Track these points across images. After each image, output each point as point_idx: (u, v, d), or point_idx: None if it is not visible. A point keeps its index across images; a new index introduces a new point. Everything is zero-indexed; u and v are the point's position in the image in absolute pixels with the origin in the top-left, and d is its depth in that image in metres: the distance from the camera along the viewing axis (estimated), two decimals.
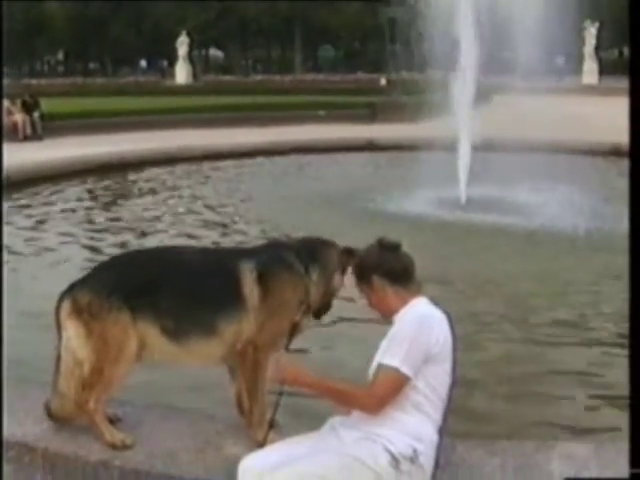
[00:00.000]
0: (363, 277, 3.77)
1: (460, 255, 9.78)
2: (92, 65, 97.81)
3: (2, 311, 4.58)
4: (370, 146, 20.39)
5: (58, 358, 4.09)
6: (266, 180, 15.96)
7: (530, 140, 13.70)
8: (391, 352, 3.50)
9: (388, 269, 3.69)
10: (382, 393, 3.49)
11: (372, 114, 29.17)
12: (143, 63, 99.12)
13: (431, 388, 3.54)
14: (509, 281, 8.62)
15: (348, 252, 4.17)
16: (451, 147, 14.22)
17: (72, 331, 3.97)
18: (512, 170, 12.49)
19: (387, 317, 3.73)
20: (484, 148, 13.87)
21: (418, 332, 3.52)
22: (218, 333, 4.01)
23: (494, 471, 3.78)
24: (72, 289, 4.02)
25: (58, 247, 10.28)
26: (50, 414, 4.20)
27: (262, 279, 4.03)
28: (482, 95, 17.75)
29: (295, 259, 4.15)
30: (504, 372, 6.09)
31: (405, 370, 3.46)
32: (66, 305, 3.98)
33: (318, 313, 4.29)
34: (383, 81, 40.63)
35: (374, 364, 3.60)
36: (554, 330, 6.96)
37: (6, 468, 4.14)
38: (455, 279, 8.64)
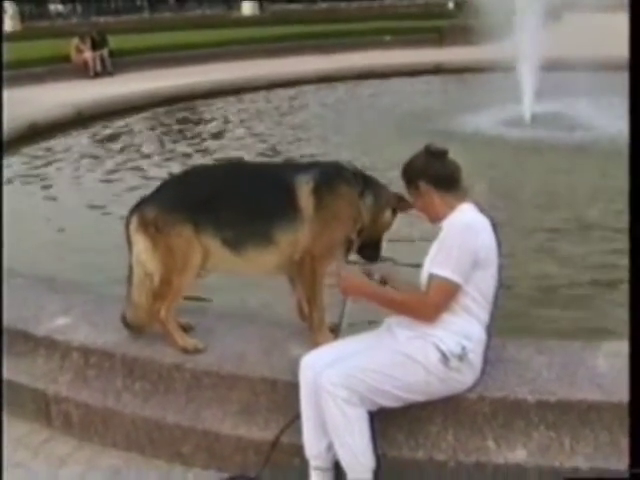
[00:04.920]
0: (411, 182, 3.87)
1: (525, 171, 9.91)
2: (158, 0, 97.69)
3: (2, 311, 4.85)
4: (437, 69, 20.28)
5: (130, 271, 4.34)
6: (334, 106, 16.08)
7: (599, 57, 13.53)
8: (441, 261, 3.64)
9: (434, 175, 3.78)
10: (435, 302, 3.65)
11: (439, 38, 28.84)
12: None
13: (479, 291, 3.69)
14: (573, 195, 8.72)
15: (400, 197, 4.32)
16: (517, 67, 14.19)
17: (141, 245, 4.20)
18: (580, 88, 12.42)
19: (434, 222, 3.85)
20: (551, 67, 13.78)
21: (465, 239, 3.63)
22: (274, 242, 4.19)
23: (541, 367, 3.95)
24: (139, 205, 4.25)
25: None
26: (126, 324, 4.50)
27: (318, 191, 4.18)
28: (551, 13, 17.50)
29: (353, 178, 4.31)
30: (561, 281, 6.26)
31: (456, 278, 3.61)
32: (134, 220, 4.21)
33: (369, 254, 4.45)
34: (451, 4, 40.06)
35: (425, 268, 3.78)
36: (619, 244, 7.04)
37: (88, 373, 4.49)
38: (521, 193, 8.79)
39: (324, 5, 66.23)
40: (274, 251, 4.23)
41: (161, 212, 4.15)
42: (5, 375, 4.71)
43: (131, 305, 4.42)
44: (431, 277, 3.67)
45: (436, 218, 3.84)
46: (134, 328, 4.48)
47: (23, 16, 55.03)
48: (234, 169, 4.64)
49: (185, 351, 4.30)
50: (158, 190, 4.35)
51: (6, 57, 26.13)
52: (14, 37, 43.97)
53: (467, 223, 3.71)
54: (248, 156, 11.21)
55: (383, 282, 4.05)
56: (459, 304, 3.69)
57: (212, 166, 5.25)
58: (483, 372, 3.81)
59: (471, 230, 3.67)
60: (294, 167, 4.55)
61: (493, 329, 3.84)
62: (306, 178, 4.21)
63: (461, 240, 3.64)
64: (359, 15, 45.51)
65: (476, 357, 3.73)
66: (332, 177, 4.30)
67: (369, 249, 4.45)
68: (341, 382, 3.55)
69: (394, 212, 4.40)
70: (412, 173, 3.86)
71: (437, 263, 3.65)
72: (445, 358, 3.63)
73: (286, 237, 4.20)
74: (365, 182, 4.36)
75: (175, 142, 13.18)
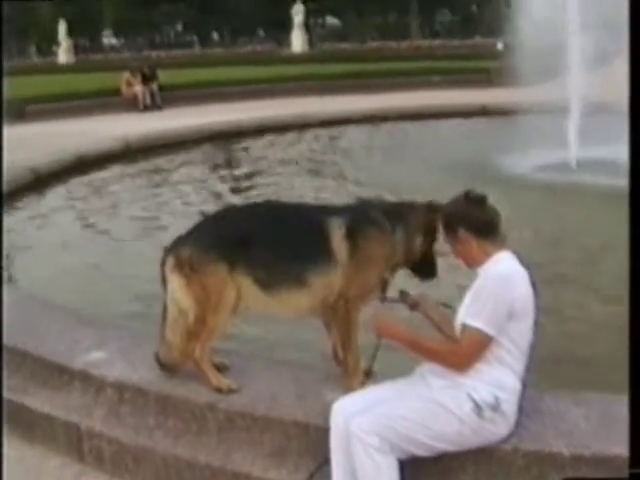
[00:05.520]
0: (448, 228, 3.85)
1: (570, 217, 9.80)
2: (209, 35, 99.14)
3: (2, 310, 4.88)
4: (484, 111, 20.26)
5: (164, 309, 4.37)
6: (381, 145, 16.12)
7: None
8: (475, 311, 3.61)
9: (473, 222, 3.75)
10: (467, 353, 3.63)
11: (487, 79, 28.83)
12: (260, 32, 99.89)
13: (513, 342, 3.65)
14: (619, 244, 8.59)
15: (433, 208, 4.29)
16: (564, 110, 14.10)
17: (176, 283, 4.23)
18: (626, 134, 12.28)
19: (471, 267, 3.83)
20: (598, 111, 13.69)
21: (501, 290, 3.60)
22: (308, 285, 4.20)
23: (578, 420, 3.89)
24: (175, 245, 4.29)
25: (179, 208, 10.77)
26: (159, 362, 4.52)
27: (350, 235, 4.20)
28: (601, 58, 17.41)
29: (382, 217, 4.31)
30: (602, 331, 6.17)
31: (489, 330, 3.58)
32: (170, 259, 4.25)
33: (424, 273, 4.44)
34: (500, 45, 40.01)
35: (459, 316, 3.77)
36: None
37: (122, 409, 4.51)
38: (564, 240, 8.69)
39: (374, 44, 66.71)
40: (307, 293, 4.24)
41: (196, 251, 4.18)
42: (40, 408, 4.74)
43: (164, 344, 4.44)
44: (464, 327, 3.65)
45: (473, 264, 3.82)
46: (167, 367, 4.50)
47: (77, 49, 55.99)
48: (268, 209, 4.68)
49: (219, 391, 4.30)
50: (193, 229, 4.38)
51: (57, 89, 26.64)
52: (67, 70, 44.77)
53: (503, 273, 3.67)
54: (289, 195, 11.24)
55: (414, 306, 4.06)
56: (493, 354, 3.65)
57: (246, 206, 5.28)
58: (517, 423, 3.75)
59: (507, 281, 3.64)
60: (327, 210, 4.57)
61: (529, 379, 3.79)
62: (338, 222, 4.24)
63: (496, 291, 3.61)
64: (408, 54, 45.73)
65: (510, 408, 3.68)
66: (363, 221, 4.30)
67: (423, 268, 4.42)
68: (372, 429, 3.53)
69: (431, 227, 4.32)
70: (450, 219, 3.85)
71: (471, 313, 3.63)
72: (478, 408, 3.59)
73: (319, 280, 4.21)
74: (395, 214, 4.36)
75: (219, 178, 13.28)
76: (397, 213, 4.38)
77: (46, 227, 9.98)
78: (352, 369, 4.29)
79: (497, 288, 3.61)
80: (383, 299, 4.31)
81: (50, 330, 5.22)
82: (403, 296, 4.15)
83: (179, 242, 4.29)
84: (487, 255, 3.76)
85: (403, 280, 4.53)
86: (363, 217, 4.33)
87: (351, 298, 4.23)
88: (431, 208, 4.33)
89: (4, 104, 18.22)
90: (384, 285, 4.31)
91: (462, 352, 3.64)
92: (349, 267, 4.19)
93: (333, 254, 4.19)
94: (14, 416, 4.87)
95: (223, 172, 14.02)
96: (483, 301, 3.61)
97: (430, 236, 4.35)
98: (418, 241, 4.34)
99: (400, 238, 4.30)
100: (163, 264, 4.30)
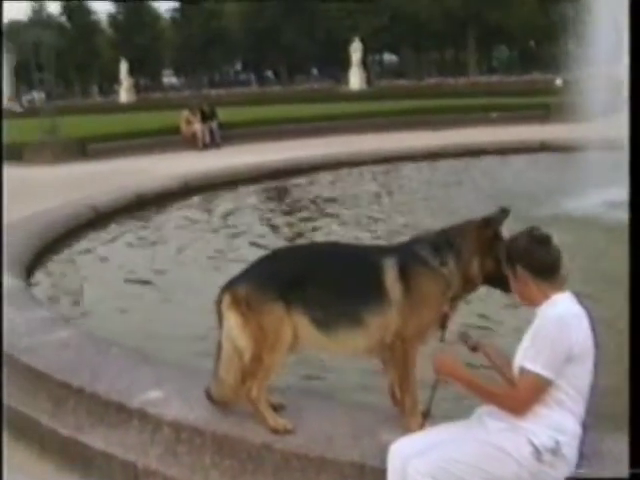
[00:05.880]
0: (509, 263, 3.79)
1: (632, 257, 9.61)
2: (267, 73, 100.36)
3: (2, 311, 4.87)
4: (543, 147, 20.11)
5: (219, 347, 4.39)
6: (437, 184, 16.06)
7: None
8: (533, 355, 3.56)
9: (533, 262, 3.68)
10: (525, 397, 3.58)
11: (546, 115, 28.68)
12: (316, 70, 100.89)
13: (573, 386, 3.59)
14: None
15: (487, 223, 4.25)
16: (625, 147, 13.89)
17: (232, 321, 4.25)
18: None
19: (528, 306, 3.77)
20: None
21: (559, 334, 3.54)
22: (364, 325, 4.20)
23: None
24: (232, 283, 4.32)
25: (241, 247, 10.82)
26: (210, 398, 4.53)
27: (402, 275, 4.19)
28: None
29: (431, 253, 4.26)
30: None
31: (547, 374, 3.53)
32: (226, 298, 4.27)
33: (501, 284, 4.19)
34: (558, 81, 39.77)
35: (517, 358, 3.70)
36: None
37: (179, 448, 4.51)
38: (626, 280, 8.51)
39: (431, 80, 66.87)
40: (364, 333, 4.23)
41: (253, 290, 4.21)
42: (97, 445, 4.77)
43: (217, 380, 4.45)
44: (522, 370, 3.60)
45: (530, 304, 3.76)
46: (218, 403, 4.51)
47: (138, 88, 57.10)
48: (324, 249, 4.70)
49: (275, 431, 4.30)
50: (250, 267, 4.41)
51: (118, 128, 27.10)
52: (128, 108, 45.57)
53: (562, 317, 3.60)
54: (346, 234, 11.24)
55: (474, 348, 4.02)
56: (552, 397, 3.59)
57: (302, 246, 5.34)
58: (578, 467, 3.67)
59: (566, 325, 3.57)
60: (380, 249, 4.58)
61: (590, 422, 3.71)
62: (391, 262, 4.23)
63: (554, 335, 3.55)
64: (466, 91, 45.74)
65: (570, 451, 3.61)
66: (412, 260, 4.28)
67: (498, 280, 4.23)
68: (429, 472, 3.49)
69: (490, 242, 4.23)
70: (512, 255, 3.78)
71: (529, 357, 3.58)
72: (538, 452, 3.52)
73: (375, 320, 4.20)
74: (445, 243, 4.30)
75: (278, 216, 13.33)
76: (446, 242, 4.32)
77: (106, 264, 10.09)
78: (410, 410, 4.25)
79: (555, 331, 3.56)
80: (443, 339, 4.27)
81: (108, 368, 5.27)
82: (464, 337, 4.10)
83: (236, 280, 4.32)
84: (545, 296, 3.69)
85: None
86: (412, 255, 4.31)
87: (408, 338, 4.21)
88: (485, 223, 4.28)
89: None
90: (444, 320, 4.26)
91: (520, 396, 3.58)
92: (404, 307, 4.18)
93: (387, 294, 4.18)
94: (71, 452, 4.92)
95: (281, 209, 14.09)
96: (541, 344, 3.56)
97: (493, 250, 4.21)
98: (476, 263, 4.26)
99: (454, 268, 4.26)
100: (219, 302, 4.32)
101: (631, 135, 3.80)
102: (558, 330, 3.56)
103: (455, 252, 4.27)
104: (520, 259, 3.72)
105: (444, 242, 4.33)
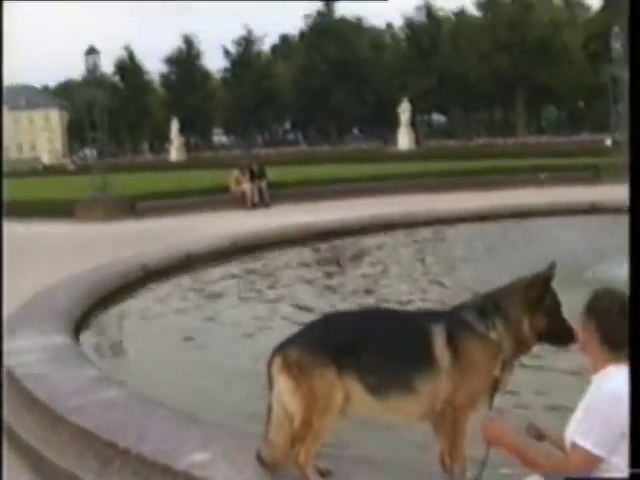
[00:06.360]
0: (584, 316, 3.67)
1: None
2: (316, 134, 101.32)
3: (2, 319, 4.81)
4: (593, 208, 19.90)
5: (269, 409, 4.33)
6: (485, 247, 15.95)
7: None
8: (585, 430, 3.47)
9: (608, 328, 3.58)
10: (575, 472, 3.47)
11: (595, 176, 28.52)
12: (364, 130, 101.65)
13: (627, 462, 3.45)
14: None
15: (534, 281, 4.22)
16: None
17: (282, 385, 4.20)
18: None
19: (587, 360, 3.70)
20: None
21: (613, 410, 3.43)
22: (415, 391, 4.16)
23: None
24: (283, 346, 4.29)
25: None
26: (261, 461, 4.46)
27: (450, 342, 4.17)
28: None
29: (477, 318, 4.24)
30: None
31: (598, 452, 3.43)
32: (277, 361, 4.24)
33: (558, 339, 4.22)
34: (608, 141, 39.66)
35: (569, 430, 3.60)
36: None
37: None
38: None
39: (480, 140, 67.00)
40: (415, 400, 4.19)
41: (304, 354, 4.18)
42: None
43: (267, 443, 4.39)
44: (573, 445, 3.50)
45: (590, 362, 3.68)
46: (269, 466, 4.45)
47: (189, 147, 57.99)
48: (373, 315, 4.68)
49: None
50: (302, 331, 4.40)
51: (168, 186, 27.44)
52: (178, 167, 46.19)
53: (616, 393, 3.47)
54: (399, 297, 11.16)
55: (540, 437, 3.92)
56: (603, 473, 3.48)
57: (352, 312, 5.33)
58: None
59: (620, 400, 3.42)
60: (428, 315, 4.54)
61: None
62: (439, 328, 4.21)
63: (607, 411, 3.44)
64: (515, 151, 45.67)
65: None
66: (460, 327, 4.24)
67: (557, 336, 4.20)
68: None
69: (540, 299, 4.19)
70: (589, 309, 3.67)
71: (580, 432, 3.48)
72: None
73: (426, 386, 4.16)
74: (492, 307, 4.27)
75: (329, 278, 13.27)
76: (493, 305, 4.29)
77: (155, 323, 10.11)
78: (458, 477, 4.17)
79: (609, 408, 3.45)
80: (491, 407, 4.20)
81: (155, 429, 5.24)
82: (530, 431, 3.99)
83: (287, 343, 4.30)
84: (604, 363, 3.60)
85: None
86: (458, 321, 4.28)
87: (458, 405, 4.15)
88: (532, 282, 4.24)
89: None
90: (496, 385, 4.20)
91: (569, 470, 3.49)
92: (453, 373, 4.14)
93: (436, 361, 4.16)
94: None
95: (332, 271, 14.03)
96: (593, 420, 3.46)
97: (543, 306, 4.18)
98: (526, 323, 4.21)
99: (503, 331, 4.21)
100: (270, 365, 4.29)
101: (631, 135, 3.75)
102: (612, 406, 3.45)
103: (503, 315, 4.24)
104: (595, 318, 3.62)
105: (491, 305, 4.30)
